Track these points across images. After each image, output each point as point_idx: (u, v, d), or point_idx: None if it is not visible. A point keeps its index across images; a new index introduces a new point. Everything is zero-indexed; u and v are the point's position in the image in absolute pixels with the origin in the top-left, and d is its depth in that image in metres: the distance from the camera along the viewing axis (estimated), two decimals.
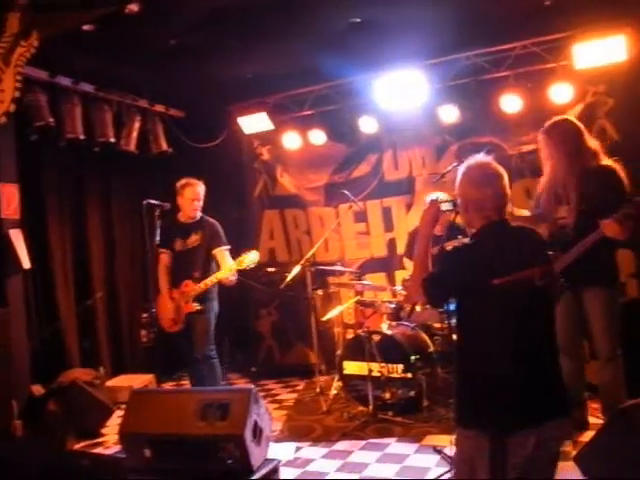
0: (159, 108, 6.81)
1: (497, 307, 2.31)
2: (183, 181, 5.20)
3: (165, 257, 5.20)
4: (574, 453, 3.69)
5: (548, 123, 4.18)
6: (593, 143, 4.11)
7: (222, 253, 5.08)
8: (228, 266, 4.90)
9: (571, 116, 4.18)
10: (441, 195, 2.70)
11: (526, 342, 2.32)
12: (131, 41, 5.41)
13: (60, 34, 4.98)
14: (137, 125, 6.40)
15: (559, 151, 4.03)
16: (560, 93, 5.70)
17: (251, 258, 4.91)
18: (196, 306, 4.95)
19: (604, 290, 3.92)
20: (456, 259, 2.44)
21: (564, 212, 4.04)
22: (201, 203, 5.22)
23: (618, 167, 3.99)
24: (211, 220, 5.24)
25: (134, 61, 5.79)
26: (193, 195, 5.15)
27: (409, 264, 6.11)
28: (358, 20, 5.37)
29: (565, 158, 4.01)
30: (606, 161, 4.04)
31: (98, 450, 4.76)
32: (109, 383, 5.95)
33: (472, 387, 2.36)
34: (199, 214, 5.24)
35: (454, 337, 4.86)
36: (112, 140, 6.10)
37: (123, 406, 5.45)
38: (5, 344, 4.57)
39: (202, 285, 4.92)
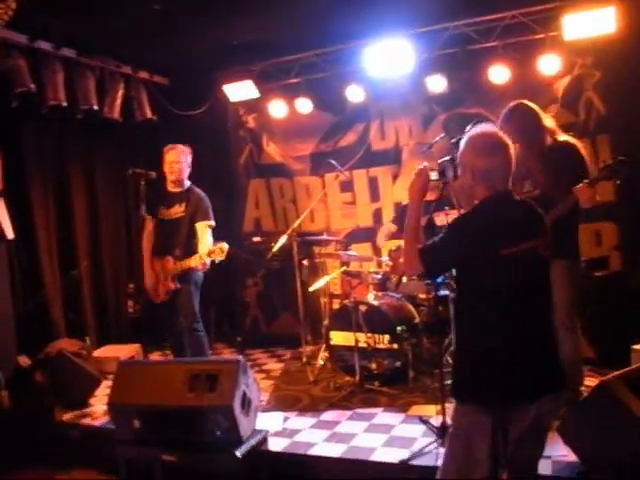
0: (143, 75, 6.65)
1: (503, 278, 2.30)
2: (167, 147, 5.08)
3: (149, 224, 5.10)
4: (556, 423, 3.80)
5: (505, 110, 4.19)
6: (549, 122, 4.16)
7: (203, 228, 4.90)
8: (197, 255, 4.71)
9: (525, 100, 4.19)
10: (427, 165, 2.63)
11: (528, 314, 2.33)
12: (114, 5, 5.27)
13: None
14: (121, 92, 6.25)
15: (519, 135, 4.07)
16: (548, 64, 5.68)
17: (221, 251, 4.64)
18: (175, 285, 4.87)
19: (564, 262, 3.96)
20: (462, 228, 2.37)
21: (529, 186, 4.12)
22: (182, 167, 5.03)
23: (573, 141, 4.09)
24: (198, 192, 5.06)
25: (117, 26, 5.65)
26: (171, 158, 4.99)
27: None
28: None
29: (524, 140, 4.06)
30: (562, 137, 4.12)
31: (86, 421, 4.76)
32: (95, 353, 5.93)
33: (473, 360, 2.33)
34: (187, 183, 5.11)
35: (439, 308, 4.98)
36: (95, 107, 5.95)
37: (110, 376, 5.50)
38: None
39: (178, 267, 4.81)
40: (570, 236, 4.05)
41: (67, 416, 4.83)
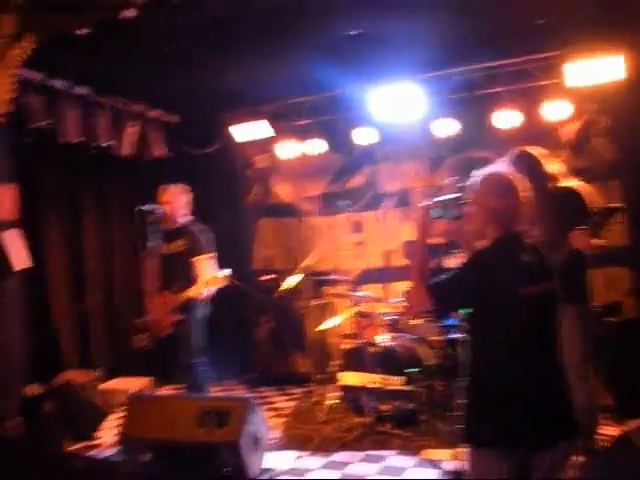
0: (155, 113, 6.75)
1: (516, 317, 2.27)
2: (161, 187, 5.14)
3: (150, 262, 5.17)
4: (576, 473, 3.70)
5: (510, 156, 4.23)
6: (551, 167, 4.18)
7: (200, 263, 4.90)
8: (195, 286, 4.74)
9: (526, 147, 4.22)
10: (434, 200, 2.61)
11: (540, 355, 2.29)
12: (127, 45, 5.36)
13: (56, 37, 4.95)
14: (132, 130, 6.34)
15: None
16: (553, 111, 5.76)
17: (218, 279, 4.68)
18: (175, 317, 4.87)
19: (575, 307, 3.93)
20: (478, 265, 2.36)
21: (536, 230, 4.13)
22: (175, 206, 5.08)
23: (575, 186, 4.11)
24: (196, 227, 5.11)
25: (130, 65, 5.73)
26: (163, 199, 5.06)
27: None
28: (356, 32, 5.37)
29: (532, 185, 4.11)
30: (565, 182, 4.16)
31: (93, 452, 4.69)
32: (105, 385, 5.90)
33: (489, 403, 2.26)
34: (185, 220, 5.13)
35: (450, 351, 4.92)
36: (107, 144, 6.04)
37: (118, 409, 5.40)
38: (1, 344, 4.47)
39: (175, 299, 4.83)
40: (577, 281, 4.01)
41: (74, 447, 4.78)
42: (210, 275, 4.73)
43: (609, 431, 4.35)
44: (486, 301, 2.30)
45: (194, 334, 4.95)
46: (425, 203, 2.60)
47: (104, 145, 6.03)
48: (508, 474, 2.19)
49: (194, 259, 4.92)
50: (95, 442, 4.89)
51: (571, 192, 4.07)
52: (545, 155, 4.23)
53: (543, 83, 5.81)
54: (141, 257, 5.00)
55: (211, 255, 4.97)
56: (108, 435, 4.89)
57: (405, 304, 5.49)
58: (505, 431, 2.20)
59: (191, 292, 4.75)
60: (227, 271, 4.68)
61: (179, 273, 4.93)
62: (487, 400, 2.28)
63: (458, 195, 2.59)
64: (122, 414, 4.00)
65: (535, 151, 4.21)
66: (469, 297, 2.35)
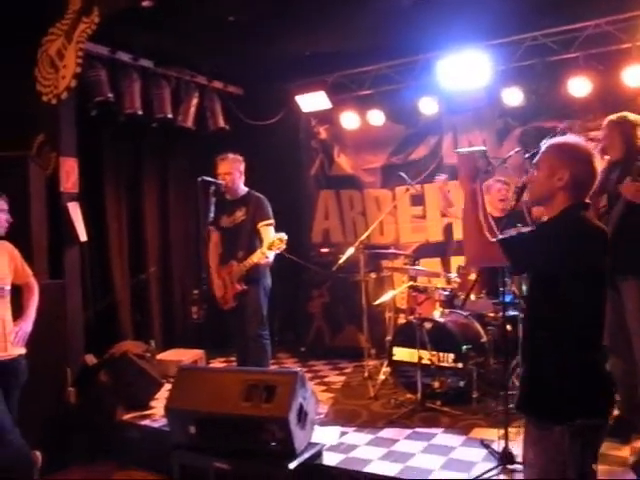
0: (217, 85, 6.80)
1: (600, 293, 2.24)
2: (218, 157, 5.12)
3: (214, 235, 5.18)
4: (631, 459, 3.55)
5: (620, 116, 3.99)
6: None
7: (265, 229, 4.91)
8: (258, 251, 4.75)
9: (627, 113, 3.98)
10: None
11: (601, 331, 2.26)
12: (190, 17, 5.42)
13: (120, 10, 5.03)
14: (195, 101, 6.42)
15: (625, 146, 3.87)
16: (635, 76, 5.39)
17: (280, 241, 4.61)
18: (241, 287, 4.89)
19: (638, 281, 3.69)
20: (559, 233, 2.20)
21: (604, 200, 3.90)
22: (235, 176, 5.04)
23: None
24: (256, 195, 5.07)
25: (193, 37, 5.79)
26: (223, 169, 5.03)
27: None
28: None
29: (622, 153, 3.90)
30: None
31: (146, 422, 4.84)
32: (159, 356, 6.03)
33: (574, 377, 2.15)
34: (244, 189, 5.12)
35: (507, 328, 4.78)
36: (170, 116, 6.15)
37: (172, 380, 5.58)
38: (61, 315, 4.66)
39: (242, 267, 4.84)
40: None
41: (128, 416, 4.92)
42: (272, 238, 4.69)
43: None
44: (568, 275, 2.16)
45: (262, 304, 4.97)
46: (459, 150, 2.49)
47: (167, 117, 6.12)
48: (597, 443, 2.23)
49: (258, 225, 4.94)
50: (149, 412, 5.04)
51: None
52: None
53: (624, 46, 5.45)
54: (203, 229, 5.03)
55: (272, 222, 4.98)
56: (162, 405, 5.03)
57: (457, 280, 5.37)
58: (595, 403, 2.19)
59: (256, 257, 4.76)
60: (283, 234, 4.64)
61: (244, 242, 4.93)
62: (572, 375, 2.17)
63: (484, 149, 2.46)
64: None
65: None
66: (551, 265, 2.19)
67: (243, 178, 5.14)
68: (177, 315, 6.96)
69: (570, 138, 2.35)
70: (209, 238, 5.19)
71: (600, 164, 2.33)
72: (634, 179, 3.58)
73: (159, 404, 5.15)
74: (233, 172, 5.04)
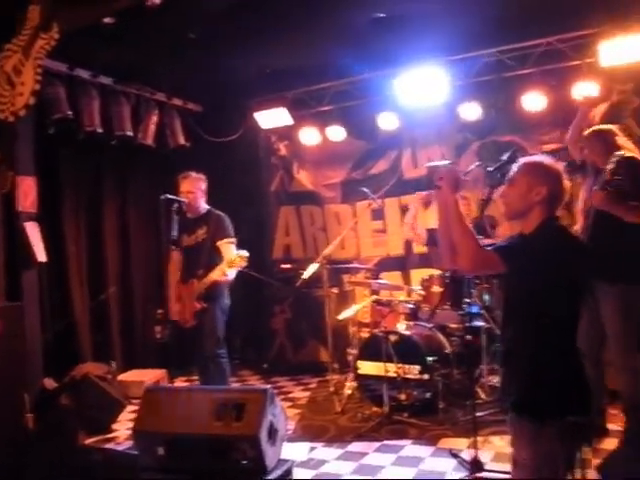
0: (177, 102, 6.76)
1: (581, 298, 2.40)
2: (180, 175, 5.12)
3: (174, 254, 5.17)
4: (594, 461, 3.63)
5: (588, 136, 4.11)
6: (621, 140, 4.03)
7: (225, 246, 4.90)
8: (218, 268, 4.75)
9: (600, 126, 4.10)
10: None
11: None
12: (150, 34, 5.37)
13: (80, 27, 4.96)
14: (155, 119, 6.36)
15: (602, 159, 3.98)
16: (585, 91, 5.58)
17: (241, 258, 4.63)
18: (200, 305, 4.87)
19: (616, 288, 3.80)
20: (540, 248, 2.32)
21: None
22: (197, 194, 5.05)
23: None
24: (217, 213, 5.08)
25: (153, 54, 5.75)
26: (185, 187, 5.04)
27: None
28: (382, 15, 5.28)
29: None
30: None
31: (109, 446, 4.73)
32: (120, 377, 5.92)
33: (564, 377, 2.29)
34: (204, 208, 5.12)
35: (469, 338, 4.85)
36: (130, 134, 6.07)
37: (135, 401, 5.48)
38: (19, 338, 4.52)
39: (201, 285, 4.83)
40: (619, 257, 3.87)
41: (90, 440, 4.81)
42: (233, 256, 4.69)
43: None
44: (550, 288, 2.28)
45: (219, 323, 4.95)
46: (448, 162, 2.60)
47: (127, 134, 6.05)
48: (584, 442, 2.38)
49: (218, 243, 4.92)
50: (112, 435, 4.93)
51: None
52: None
53: (574, 63, 5.66)
54: (165, 248, 5.00)
55: (232, 240, 4.97)
56: (125, 427, 4.96)
57: (421, 292, 5.42)
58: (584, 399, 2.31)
59: (215, 274, 4.75)
60: (244, 252, 4.66)
61: (204, 260, 4.90)
62: (559, 374, 2.30)
63: (449, 162, 2.59)
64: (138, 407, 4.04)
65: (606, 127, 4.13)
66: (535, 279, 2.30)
67: (205, 197, 5.15)
68: (138, 335, 6.81)
69: (542, 157, 2.50)
70: (169, 259, 5.17)
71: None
72: (601, 187, 3.67)
73: (121, 426, 5.06)
74: (195, 191, 5.04)
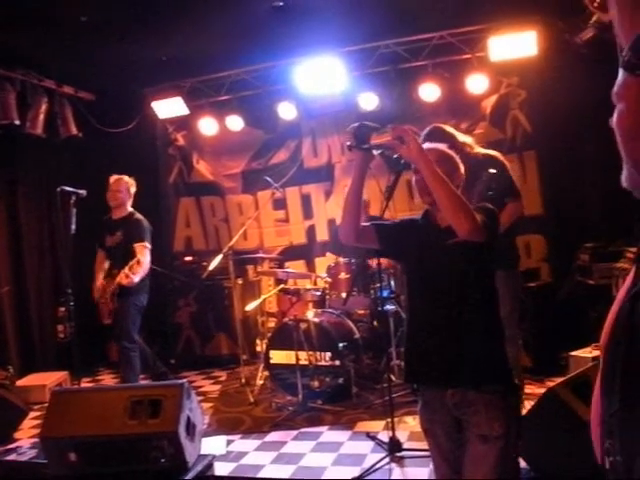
0: (67, 90, 6.37)
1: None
2: (112, 176, 5.26)
3: (99, 254, 5.29)
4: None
5: (423, 135, 4.24)
6: (462, 139, 4.13)
7: (137, 249, 4.99)
8: (123, 270, 4.78)
9: (438, 124, 4.22)
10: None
11: None
12: (38, 16, 5.05)
13: None
14: (44, 107, 5.96)
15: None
16: (476, 84, 5.90)
17: (137, 262, 4.80)
18: (113, 304, 4.96)
19: (503, 273, 4.06)
20: (414, 225, 2.48)
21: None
22: (124, 195, 5.20)
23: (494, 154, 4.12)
24: (136, 216, 5.19)
25: (41, 38, 5.41)
26: (114, 187, 5.19)
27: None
28: (280, 4, 5.27)
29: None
30: (481, 150, 4.15)
31: (12, 457, 4.43)
32: (19, 383, 5.58)
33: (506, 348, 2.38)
34: (128, 210, 5.22)
35: (375, 323, 4.98)
36: (16, 122, 5.66)
37: (37, 407, 5.18)
38: None
39: (110, 285, 4.94)
40: (504, 246, 4.10)
41: None
42: (132, 261, 4.79)
43: (531, 390, 4.57)
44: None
45: (130, 318, 5.02)
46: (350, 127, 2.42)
47: (14, 123, 5.64)
48: None
49: (134, 246, 5.01)
50: (14, 445, 4.61)
51: (492, 157, 4.09)
52: (458, 129, 4.32)
53: (466, 56, 5.92)
54: (65, 242, 4.84)
55: (145, 244, 5.05)
56: (27, 436, 4.68)
57: (328, 279, 5.48)
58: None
59: (118, 278, 4.83)
60: (141, 256, 4.85)
61: (120, 262, 4.99)
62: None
63: (377, 126, 2.40)
64: (43, 412, 3.81)
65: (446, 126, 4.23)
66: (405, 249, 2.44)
67: (131, 200, 5.26)
68: (35, 336, 6.37)
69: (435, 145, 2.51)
70: (96, 259, 5.30)
71: None
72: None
73: (24, 435, 4.77)
74: (122, 191, 5.20)
